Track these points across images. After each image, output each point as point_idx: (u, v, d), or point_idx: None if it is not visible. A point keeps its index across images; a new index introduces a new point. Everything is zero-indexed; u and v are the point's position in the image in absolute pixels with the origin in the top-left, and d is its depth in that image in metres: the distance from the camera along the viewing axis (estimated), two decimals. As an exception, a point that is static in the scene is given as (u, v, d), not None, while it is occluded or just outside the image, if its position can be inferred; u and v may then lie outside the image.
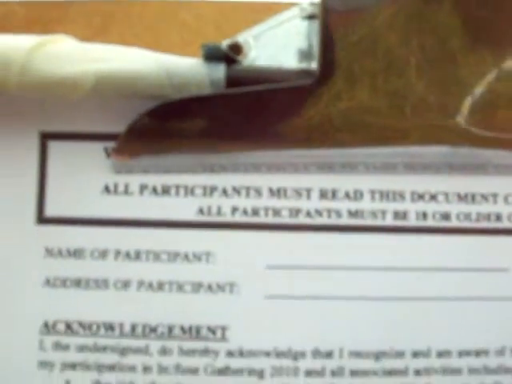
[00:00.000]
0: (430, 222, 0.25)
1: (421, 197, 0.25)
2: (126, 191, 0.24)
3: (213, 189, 0.24)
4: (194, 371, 0.24)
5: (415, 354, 0.24)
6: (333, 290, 0.24)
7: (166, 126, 0.23)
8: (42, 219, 0.24)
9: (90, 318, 0.24)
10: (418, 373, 0.24)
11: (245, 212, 0.24)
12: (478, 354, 0.24)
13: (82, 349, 0.24)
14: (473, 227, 0.25)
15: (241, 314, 0.24)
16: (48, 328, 0.24)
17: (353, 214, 0.24)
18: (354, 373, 0.24)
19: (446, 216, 0.25)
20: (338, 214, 0.24)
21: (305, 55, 0.24)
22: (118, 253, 0.24)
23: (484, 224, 0.25)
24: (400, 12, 0.23)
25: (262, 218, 0.24)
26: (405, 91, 0.23)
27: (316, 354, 0.24)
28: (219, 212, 0.24)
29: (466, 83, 0.23)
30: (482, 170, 0.25)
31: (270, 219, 0.24)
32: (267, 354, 0.24)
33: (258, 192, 0.24)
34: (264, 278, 0.24)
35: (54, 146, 0.25)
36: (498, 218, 0.25)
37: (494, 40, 0.23)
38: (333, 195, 0.24)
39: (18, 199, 0.24)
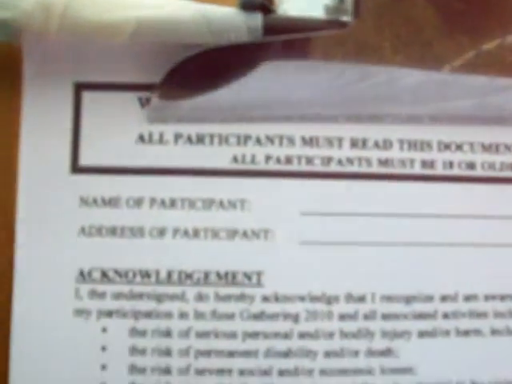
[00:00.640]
0: (455, 171, 0.25)
1: (447, 147, 0.25)
2: (161, 140, 0.25)
3: (247, 138, 0.25)
4: (229, 316, 0.24)
5: (443, 298, 0.25)
6: (364, 236, 0.25)
7: (205, 73, 0.24)
8: (77, 169, 0.24)
9: (126, 266, 0.24)
10: (446, 316, 0.25)
11: (278, 160, 0.25)
12: (503, 298, 0.25)
13: (117, 296, 0.24)
14: (497, 176, 0.25)
15: (276, 259, 0.24)
16: (84, 276, 0.24)
17: (382, 162, 0.25)
18: (386, 316, 0.24)
19: (471, 165, 0.25)
20: (369, 162, 0.25)
21: (331, 10, 0.25)
22: (153, 201, 0.24)
23: (508, 173, 0.25)
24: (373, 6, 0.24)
25: (295, 166, 0.25)
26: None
27: (349, 298, 0.24)
28: (253, 160, 0.25)
29: (443, 60, 0.24)
30: (505, 121, 0.25)
31: (303, 167, 0.25)
32: (302, 298, 0.24)
33: (291, 141, 0.25)
34: (298, 225, 0.24)
35: (88, 97, 0.25)
36: (522, 167, 0.25)
37: (470, 27, 0.24)
38: (363, 144, 0.25)
39: (53, 149, 0.25)
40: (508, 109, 0.25)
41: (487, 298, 0.25)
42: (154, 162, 0.25)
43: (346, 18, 0.24)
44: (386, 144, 0.25)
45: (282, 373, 0.24)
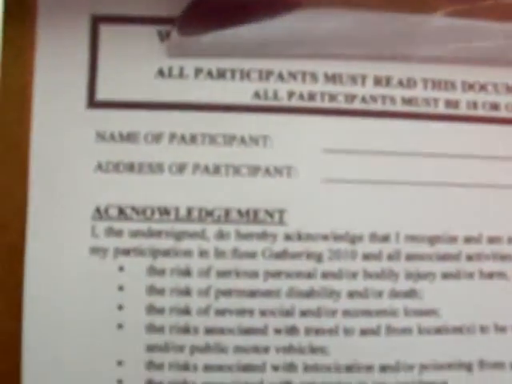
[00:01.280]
0: (479, 112, 0.25)
1: (471, 87, 0.25)
2: (181, 75, 0.24)
3: (269, 73, 0.24)
4: (251, 255, 0.24)
5: (467, 240, 0.24)
6: (388, 175, 0.24)
7: (228, 8, 0.23)
8: (93, 103, 0.24)
9: (144, 203, 0.24)
10: (469, 258, 0.24)
11: (301, 96, 0.24)
12: (527, 240, 0.25)
13: (135, 234, 0.23)
14: (521, 117, 0.25)
15: (298, 197, 0.24)
16: (100, 213, 0.23)
17: (406, 101, 0.25)
18: (410, 257, 0.24)
19: (495, 106, 0.25)
20: (392, 100, 0.25)
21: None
22: (172, 136, 0.24)
23: (532, 114, 0.25)
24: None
25: (318, 103, 0.24)
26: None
27: (373, 237, 0.24)
28: (275, 96, 0.24)
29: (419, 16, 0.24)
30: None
31: (326, 104, 0.24)
32: (325, 237, 0.24)
33: (314, 77, 0.24)
34: (321, 162, 0.24)
35: (105, 30, 0.24)
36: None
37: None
38: (387, 82, 0.25)
39: (68, 83, 0.24)
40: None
41: (511, 240, 0.24)
42: (173, 97, 0.24)
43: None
44: (410, 83, 0.25)
45: (304, 313, 0.23)
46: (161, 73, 0.24)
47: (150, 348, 0.23)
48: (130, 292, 0.23)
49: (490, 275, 0.24)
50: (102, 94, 0.24)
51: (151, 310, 0.23)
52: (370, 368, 0.24)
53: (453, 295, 0.24)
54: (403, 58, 0.25)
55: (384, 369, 0.24)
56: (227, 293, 0.23)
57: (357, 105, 0.24)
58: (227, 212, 0.24)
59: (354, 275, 0.24)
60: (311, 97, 0.24)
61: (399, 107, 0.25)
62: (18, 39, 0.24)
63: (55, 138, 0.24)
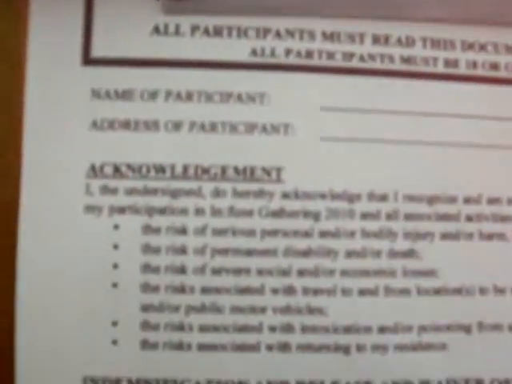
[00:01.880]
0: (479, 71, 0.25)
1: (471, 46, 0.25)
2: (177, 32, 0.24)
3: (266, 31, 0.24)
4: (248, 213, 0.23)
5: (467, 200, 0.24)
6: (386, 134, 0.24)
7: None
8: (88, 60, 0.23)
9: (140, 161, 0.23)
10: (469, 219, 0.24)
11: (298, 54, 0.24)
12: (527, 201, 0.24)
13: (130, 192, 0.23)
14: (521, 78, 0.25)
15: (296, 155, 0.23)
16: (95, 171, 0.23)
17: (405, 59, 0.24)
18: (408, 216, 0.24)
19: (494, 66, 0.25)
20: (391, 59, 0.24)
21: None
22: (168, 94, 0.23)
23: (532, 75, 0.25)
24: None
25: (315, 61, 0.24)
26: None
27: (371, 196, 0.24)
28: (273, 53, 0.24)
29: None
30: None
31: (324, 62, 0.24)
32: (322, 196, 0.23)
33: (312, 35, 0.24)
34: (318, 120, 0.24)
35: (100, -14, 0.24)
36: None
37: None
38: (385, 41, 0.24)
39: (63, 40, 0.24)
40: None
41: (510, 201, 0.24)
42: (169, 55, 0.24)
43: None
44: (409, 41, 0.24)
45: (301, 273, 0.23)
46: (157, 30, 0.24)
47: (145, 308, 0.23)
48: (124, 251, 0.23)
49: (490, 236, 0.24)
50: (97, 52, 0.24)
51: (146, 268, 0.23)
52: (368, 329, 0.23)
53: (452, 256, 0.24)
54: (402, 18, 0.24)
55: (382, 330, 0.23)
56: (223, 251, 0.23)
57: (355, 63, 0.24)
58: (224, 170, 0.23)
59: (351, 234, 0.23)
60: (309, 54, 0.24)
61: (398, 66, 0.24)
62: (12, -3, 0.24)
63: (50, 96, 0.23)
